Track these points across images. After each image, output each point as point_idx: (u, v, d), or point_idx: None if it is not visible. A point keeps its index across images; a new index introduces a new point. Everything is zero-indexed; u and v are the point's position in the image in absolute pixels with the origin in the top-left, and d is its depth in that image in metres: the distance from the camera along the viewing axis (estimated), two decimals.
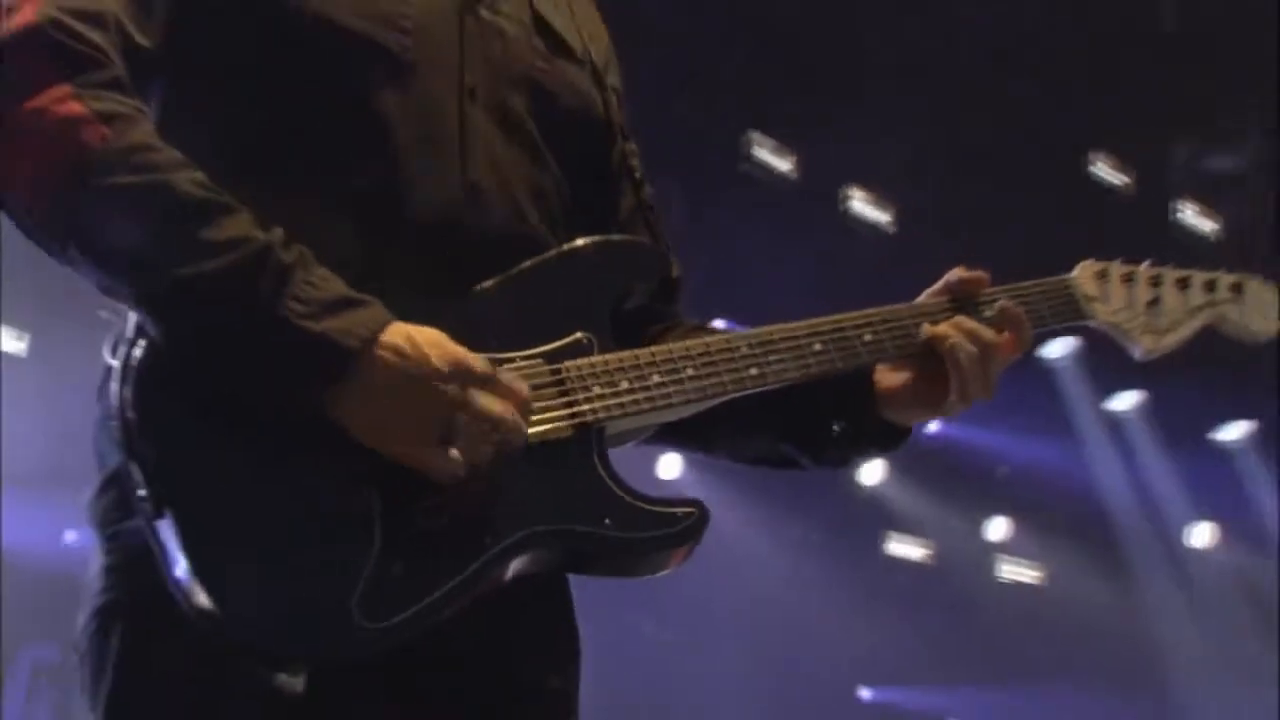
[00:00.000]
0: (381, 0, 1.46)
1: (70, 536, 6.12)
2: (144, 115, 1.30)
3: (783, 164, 6.20)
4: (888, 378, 1.52)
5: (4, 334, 5.91)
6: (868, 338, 1.51)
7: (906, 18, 5.90)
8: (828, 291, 5.68)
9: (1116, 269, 1.70)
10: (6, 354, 5.85)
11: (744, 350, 1.46)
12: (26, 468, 5.71)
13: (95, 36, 1.29)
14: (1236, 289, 1.76)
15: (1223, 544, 7.92)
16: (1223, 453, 7.37)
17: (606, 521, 1.35)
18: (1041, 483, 7.61)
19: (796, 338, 1.49)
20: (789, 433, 1.59)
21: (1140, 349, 1.68)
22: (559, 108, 1.56)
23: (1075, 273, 1.67)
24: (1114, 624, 7.80)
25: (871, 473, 7.21)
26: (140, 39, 1.34)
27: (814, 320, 1.50)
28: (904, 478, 7.45)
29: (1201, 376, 6.34)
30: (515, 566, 1.32)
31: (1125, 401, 7.74)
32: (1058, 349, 7.15)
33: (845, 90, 6.11)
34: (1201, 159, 6.78)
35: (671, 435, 1.57)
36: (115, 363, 1.27)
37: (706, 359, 1.44)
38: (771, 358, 1.47)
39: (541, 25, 1.60)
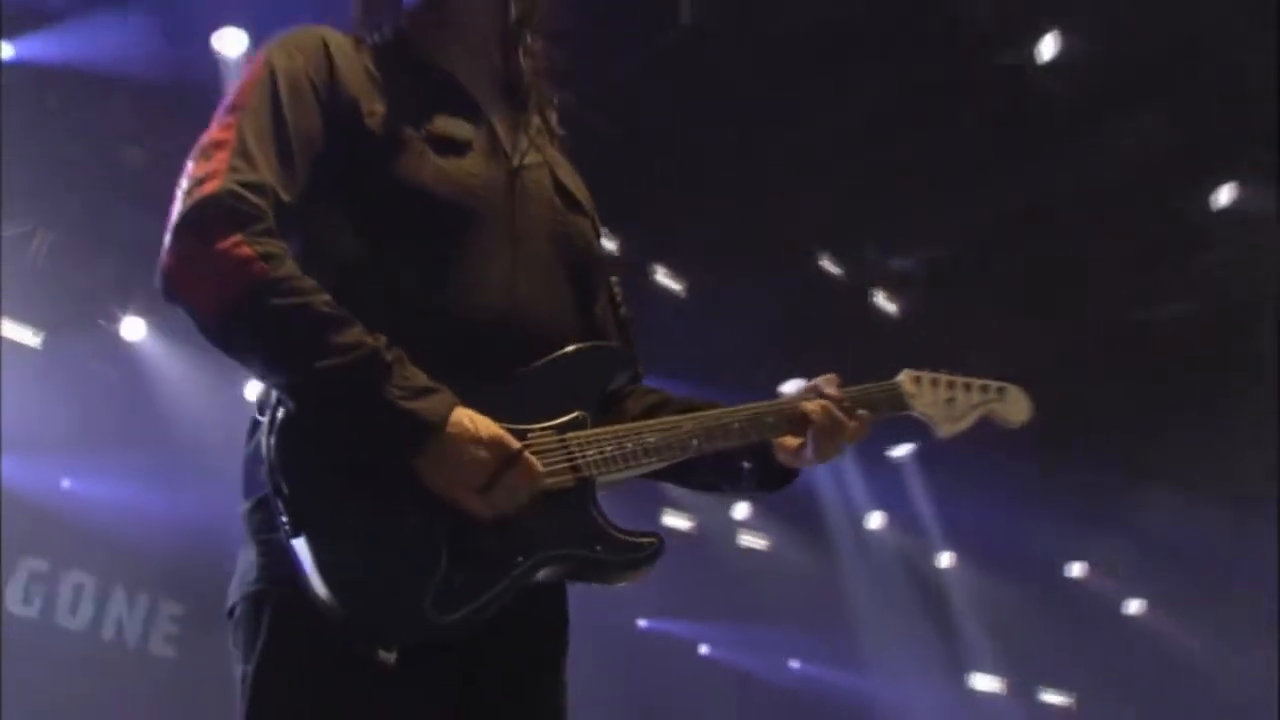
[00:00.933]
0: (458, 172, 1.84)
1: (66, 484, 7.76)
2: (288, 253, 1.66)
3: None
4: (782, 440, 2.01)
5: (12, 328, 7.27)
6: (770, 420, 1.98)
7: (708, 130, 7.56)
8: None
9: (926, 376, 2.18)
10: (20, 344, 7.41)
11: (687, 428, 1.90)
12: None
13: (257, 200, 1.67)
14: (1001, 391, 2.23)
15: (888, 529, 10.19)
16: (894, 463, 9.73)
17: (597, 548, 1.76)
18: None
19: (723, 421, 1.94)
20: (718, 471, 2.06)
21: (941, 432, 2.16)
22: (572, 249, 1.96)
23: (900, 378, 2.16)
24: (818, 582, 10.00)
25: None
26: (285, 198, 1.71)
27: (736, 407, 1.98)
28: None
29: None
30: (537, 577, 1.70)
31: None
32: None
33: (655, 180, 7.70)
34: (887, 259, 8.87)
35: (648, 473, 2.02)
36: (264, 419, 1.66)
37: (664, 432, 1.86)
38: (704, 433, 1.92)
39: (559, 187, 2.01)
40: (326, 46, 1.87)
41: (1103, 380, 9.33)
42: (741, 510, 10.09)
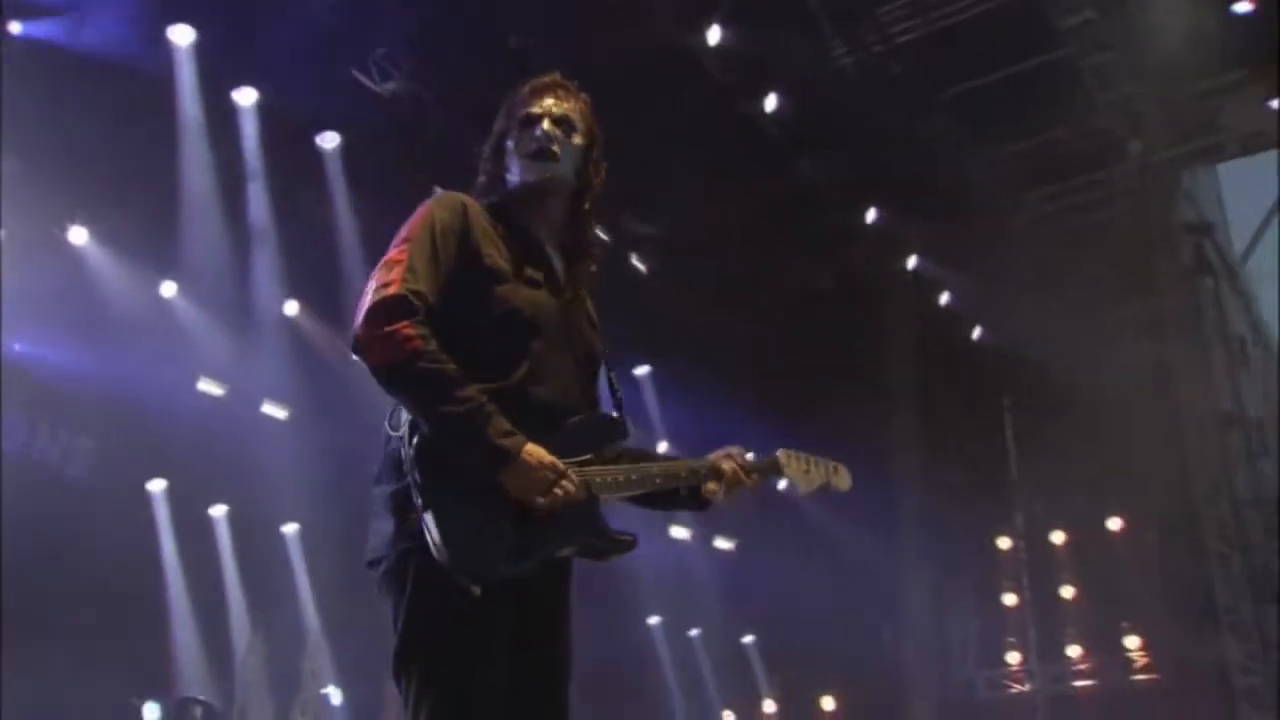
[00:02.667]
0: (534, 301, 2.90)
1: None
2: (433, 336, 2.65)
3: None
4: (706, 484, 3.08)
5: None
6: (701, 471, 3.07)
7: None
8: None
9: (794, 455, 3.25)
10: None
11: (654, 470, 2.98)
12: None
13: (418, 302, 2.69)
14: (837, 470, 3.37)
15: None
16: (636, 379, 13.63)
17: (598, 539, 2.83)
18: None
19: (673, 468, 3.05)
20: (665, 499, 3.10)
21: (800, 491, 3.27)
22: (592, 354, 3.05)
23: (778, 454, 3.21)
24: None
25: None
26: (432, 300, 2.72)
27: (681, 460, 3.10)
28: None
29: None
30: (562, 553, 2.81)
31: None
32: None
33: None
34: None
35: (639, 504, 3.11)
36: (396, 434, 2.71)
37: (640, 472, 2.94)
38: (662, 474, 3.00)
39: (587, 314, 3.10)
40: (466, 208, 2.93)
41: (789, 336, 13.62)
42: None
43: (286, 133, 10.31)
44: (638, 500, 3.10)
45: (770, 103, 11.60)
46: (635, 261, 12.98)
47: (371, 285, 2.75)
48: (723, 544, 15.17)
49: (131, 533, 10.96)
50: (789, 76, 11.70)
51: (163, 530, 11.41)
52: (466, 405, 2.65)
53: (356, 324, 2.72)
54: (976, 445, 14.11)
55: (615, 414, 3.07)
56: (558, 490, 2.69)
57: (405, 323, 2.67)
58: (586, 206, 3.14)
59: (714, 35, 10.73)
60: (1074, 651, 12.98)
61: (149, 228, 10.29)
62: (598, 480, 2.85)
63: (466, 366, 2.71)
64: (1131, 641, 12.52)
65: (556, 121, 3.08)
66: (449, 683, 2.64)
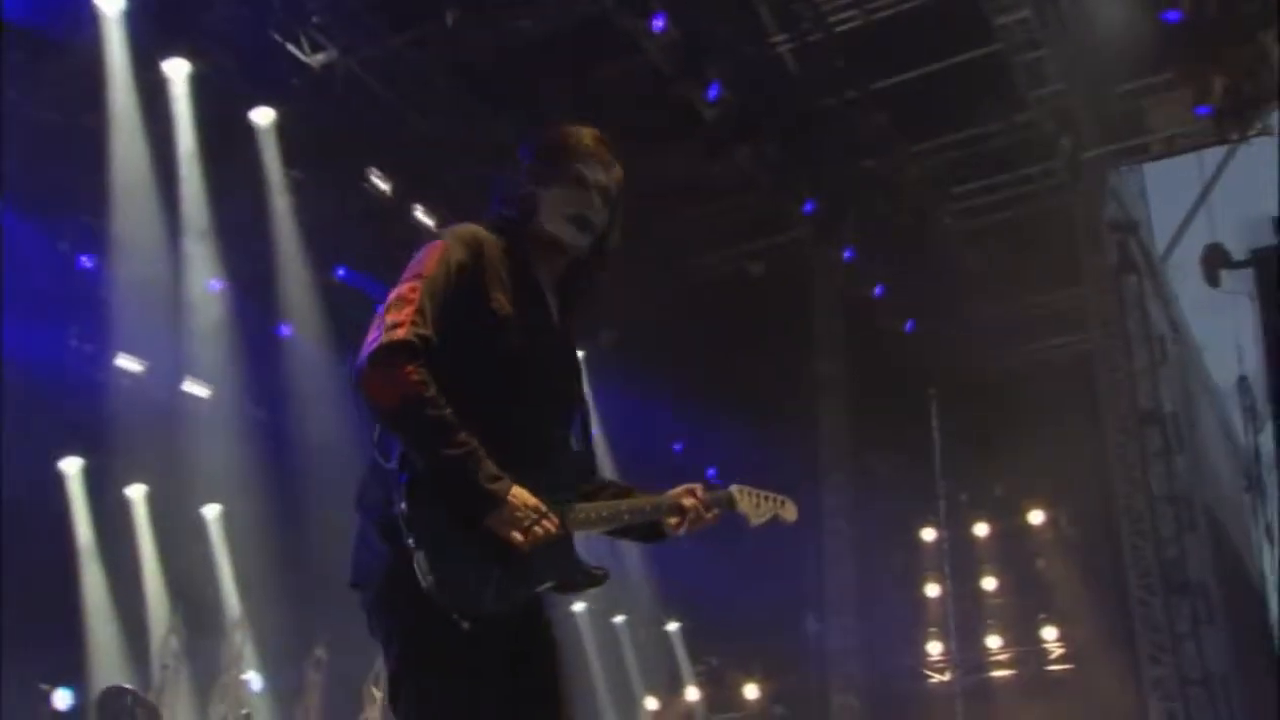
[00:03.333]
0: (528, 345, 3.03)
1: None
2: (432, 379, 2.80)
3: None
4: (666, 519, 3.26)
5: None
6: (664, 506, 3.25)
7: None
8: None
9: (746, 490, 3.48)
10: None
11: (622, 508, 3.21)
12: None
13: (423, 345, 2.83)
14: (784, 503, 3.57)
15: None
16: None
17: (576, 573, 3.05)
18: None
19: (639, 505, 3.24)
20: (629, 532, 3.31)
21: (751, 523, 3.47)
22: (575, 391, 3.24)
23: (732, 489, 3.43)
24: None
25: None
26: (434, 340, 2.86)
27: (647, 497, 3.26)
28: None
29: None
30: (544, 586, 2.98)
31: None
32: None
33: None
34: None
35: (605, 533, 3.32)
36: (389, 466, 2.85)
37: (610, 510, 3.17)
38: (629, 511, 3.21)
39: (574, 359, 3.28)
40: (482, 248, 3.07)
41: (717, 322, 13.88)
42: None
43: (219, 106, 10.25)
44: (608, 532, 3.31)
45: (708, 87, 11.75)
46: None
47: (381, 322, 2.88)
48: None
49: (44, 513, 10.83)
50: (727, 61, 11.90)
51: (77, 510, 11.29)
52: (460, 450, 2.80)
53: (361, 360, 2.85)
54: (902, 436, 14.52)
55: (585, 452, 3.27)
56: (537, 529, 2.87)
57: (410, 367, 2.81)
58: (591, 267, 3.26)
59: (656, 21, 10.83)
60: (993, 642, 13.39)
61: (72, 200, 10.17)
62: (572, 517, 3.05)
63: (459, 402, 2.85)
64: (1049, 632, 12.97)
65: (605, 198, 3.22)
66: (445, 710, 2.82)
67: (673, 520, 3.27)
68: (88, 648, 10.91)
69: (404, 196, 11.81)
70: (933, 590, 14.13)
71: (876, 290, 14.52)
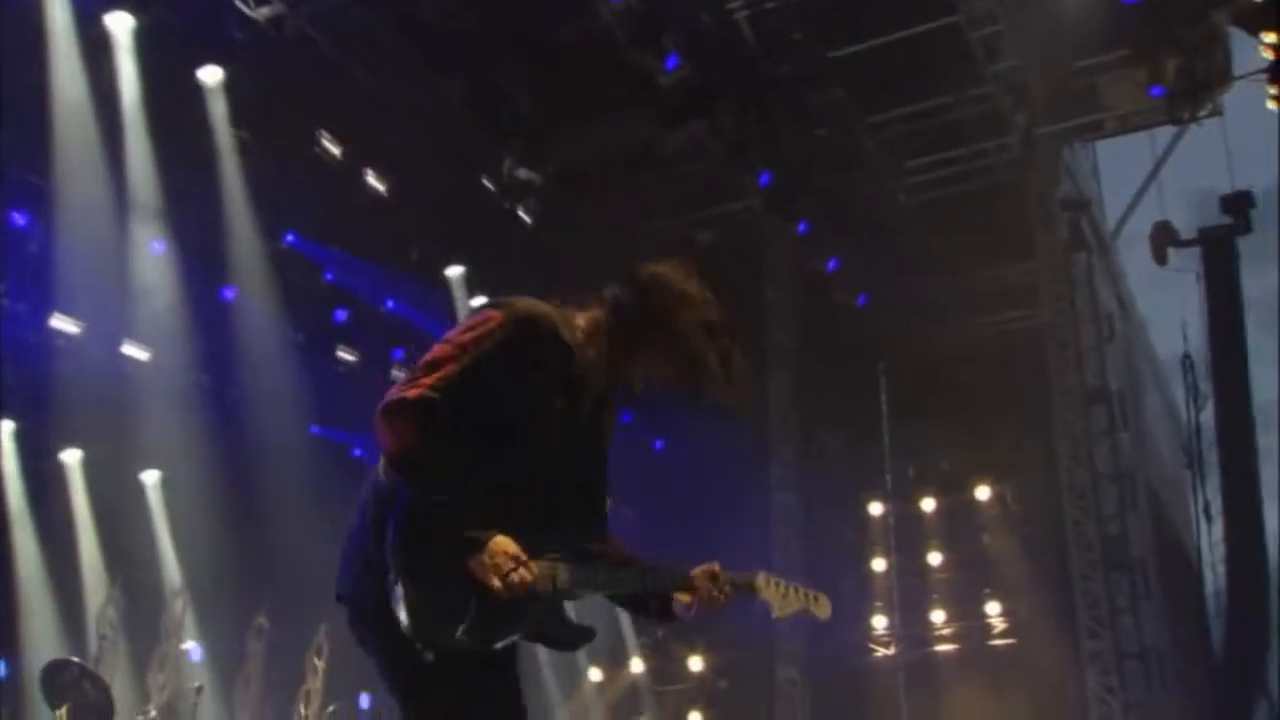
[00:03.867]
0: (551, 428, 3.24)
1: None
2: (442, 435, 3.04)
3: None
4: (677, 595, 3.32)
5: None
6: (669, 581, 3.31)
7: None
8: None
9: (772, 578, 3.40)
10: None
11: (624, 575, 3.31)
12: None
13: (433, 407, 3.05)
14: (817, 599, 3.48)
15: None
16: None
17: (557, 627, 3.21)
18: None
19: (640, 575, 3.32)
20: (633, 603, 3.46)
21: (776, 616, 3.40)
22: (593, 489, 3.39)
23: (759, 578, 3.37)
24: None
25: None
26: (447, 407, 3.06)
27: (651, 568, 3.31)
28: None
29: None
30: (522, 634, 3.12)
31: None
32: None
33: None
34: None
35: (615, 603, 3.48)
36: (390, 496, 3.05)
37: (610, 574, 3.28)
38: (633, 581, 3.32)
39: (599, 450, 3.45)
40: (539, 336, 3.23)
41: None
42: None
43: (165, 61, 10.13)
44: (614, 600, 3.46)
45: (666, 57, 11.81)
46: (521, 213, 13.14)
47: (410, 377, 3.15)
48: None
49: None
50: (683, 28, 11.95)
51: (8, 475, 11.11)
52: (450, 496, 3.05)
53: (380, 408, 3.09)
54: (851, 410, 14.73)
55: (594, 522, 3.40)
56: (514, 577, 3.01)
57: (415, 423, 3.05)
58: (637, 381, 3.39)
59: None
60: (937, 616, 13.69)
61: (10, 155, 10.00)
62: (563, 576, 3.20)
63: (470, 458, 3.11)
64: (992, 607, 13.28)
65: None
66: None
67: (684, 598, 3.32)
68: (19, 617, 10.77)
69: (354, 159, 11.78)
70: (879, 565, 14.36)
71: (829, 264, 14.70)
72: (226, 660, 11.53)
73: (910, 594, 13.89)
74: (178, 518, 12.18)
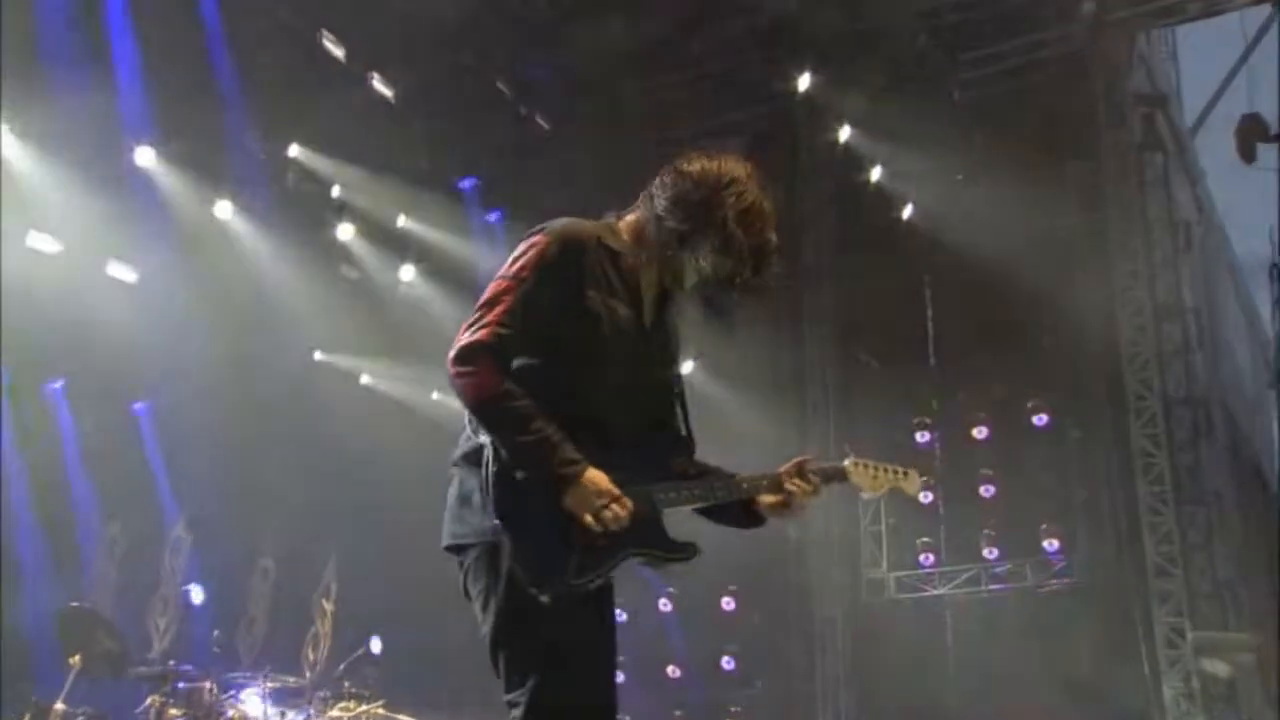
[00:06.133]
0: (617, 339, 3.45)
1: None
2: (509, 375, 3.31)
3: None
4: (764, 496, 3.58)
5: None
6: (763, 483, 3.57)
7: None
8: None
9: (860, 462, 3.68)
10: None
11: (716, 485, 3.55)
12: None
13: (503, 343, 3.33)
14: (904, 474, 3.75)
15: None
16: None
17: (659, 548, 3.47)
18: None
19: (736, 481, 3.57)
20: (722, 513, 3.62)
21: (865, 495, 3.72)
22: (667, 390, 3.63)
23: (847, 464, 3.67)
24: None
25: None
26: (518, 339, 3.32)
27: (754, 475, 3.56)
28: None
29: None
30: (625, 561, 3.36)
31: None
32: None
33: None
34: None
35: (701, 514, 3.65)
36: (485, 443, 3.31)
37: (702, 487, 3.53)
38: (723, 488, 3.56)
39: (669, 350, 3.69)
40: (584, 251, 3.49)
41: None
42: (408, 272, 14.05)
43: None
44: (701, 512, 3.63)
45: None
46: (539, 119, 12.95)
47: (472, 319, 3.38)
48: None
49: None
50: None
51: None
52: (536, 436, 3.27)
53: (450, 357, 3.34)
54: (895, 331, 14.57)
55: (683, 433, 3.65)
56: (607, 514, 3.27)
57: (489, 367, 3.31)
58: (688, 278, 3.56)
59: None
60: (990, 553, 13.62)
61: None
62: (659, 496, 3.46)
63: (547, 391, 3.34)
64: (1050, 544, 13.14)
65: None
66: (543, 669, 3.29)
67: (770, 499, 3.57)
68: (13, 560, 10.79)
69: (358, 62, 11.58)
70: (925, 497, 13.87)
71: (877, 174, 14.40)
72: (228, 603, 11.61)
73: (960, 529, 13.84)
74: (173, 451, 12.18)
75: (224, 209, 12.12)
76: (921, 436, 14.31)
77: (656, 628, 14.73)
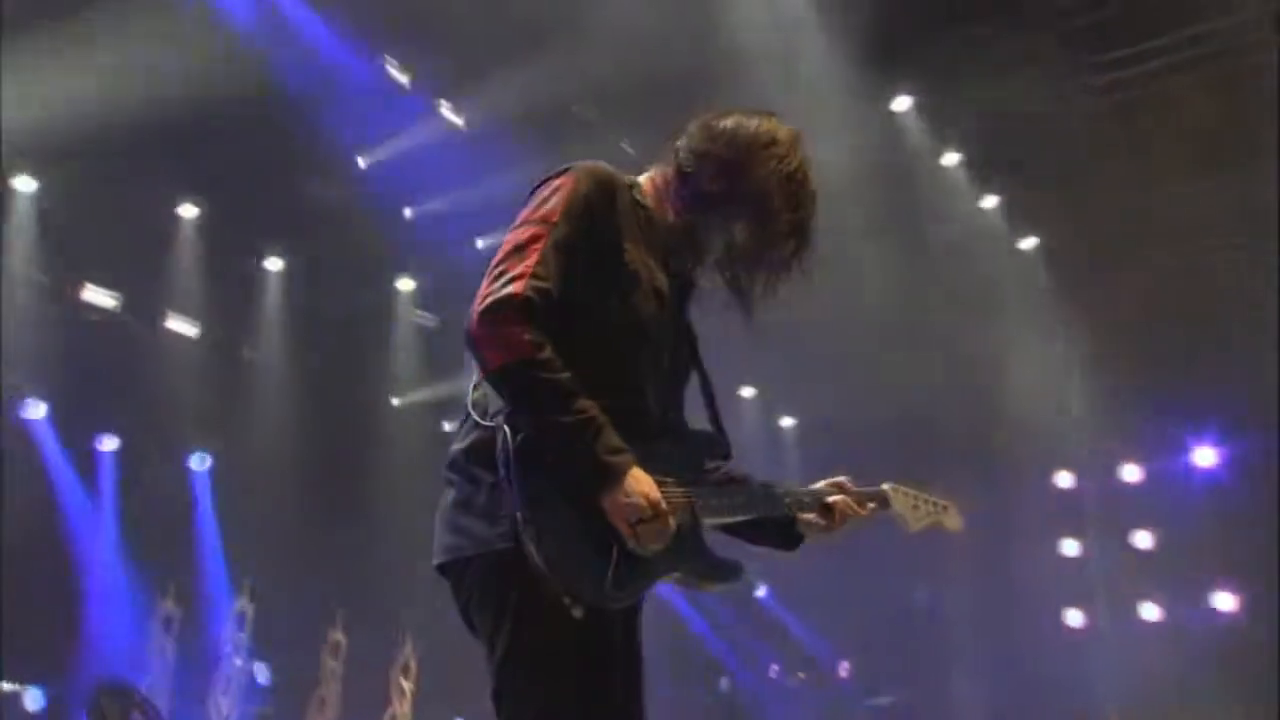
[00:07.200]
0: (651, 313, 3.05)
1: None
2: (547, 339, 2.82)
3: None
4: (807, 515, 3.33)
5: None
6: (806, 500, 3.33)
7: None
8: None
9: (901, 489, 3.52)
10: None
11: (759, 495, 3.25)
12: None
13: (540, 300, 2.84)
14: (946, 509, 3.61)
15: None
16: None
17: (703, 566, 3.07)
18: None
19: (778, 494, 3.30)
20: (759, 533, 3.33)
21: (909, 530, 3.51)
22: (686, 373, 3.31)
23: (886, 489, 3.47)
24: None
25: None
26: (555, 295, 2.86)
27: (787, 488, 3.32)
28: None
29: None
30: (666, 578, 2.99)
31: None
32: None
33: None
34: None
35: (728, 531, 3.30)
36: (499, 425, 2.84)
37: (746, 497, 3.22)
38: (764, 502, 3.27)
39: (688, 329, 3.35)
40: (615, 191, 3.11)
41: None
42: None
43: None
44: (728, 528, 3.28)
45: None
46: None
47: (497, 271, 2.90)
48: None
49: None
50: None
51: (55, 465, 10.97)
52: (578, 417, 2.81)
53: (471, 316, 2.86)
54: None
55: (716, 434, 3.32)
56: (648, 530, 2.82)
57: (524, 326, 2.82)
58: (712, 252, 3.21)
59: None
60: (1149, 612, 12.75)
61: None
62: (702, 504, 3.07)
63: (583, 363, 2.86)
64: (1223, 600, 12.22)
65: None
66: (552, 705, 2.84)
67: (808, 516, 3.31)
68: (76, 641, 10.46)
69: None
70: (1070, 548, 13.49)
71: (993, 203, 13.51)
72: (295, 682, 11.16)
73: (1113, 583, 13.02)
74: (233, 512, 11.84)
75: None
76: (1063, 480, 13.63)
77: None
